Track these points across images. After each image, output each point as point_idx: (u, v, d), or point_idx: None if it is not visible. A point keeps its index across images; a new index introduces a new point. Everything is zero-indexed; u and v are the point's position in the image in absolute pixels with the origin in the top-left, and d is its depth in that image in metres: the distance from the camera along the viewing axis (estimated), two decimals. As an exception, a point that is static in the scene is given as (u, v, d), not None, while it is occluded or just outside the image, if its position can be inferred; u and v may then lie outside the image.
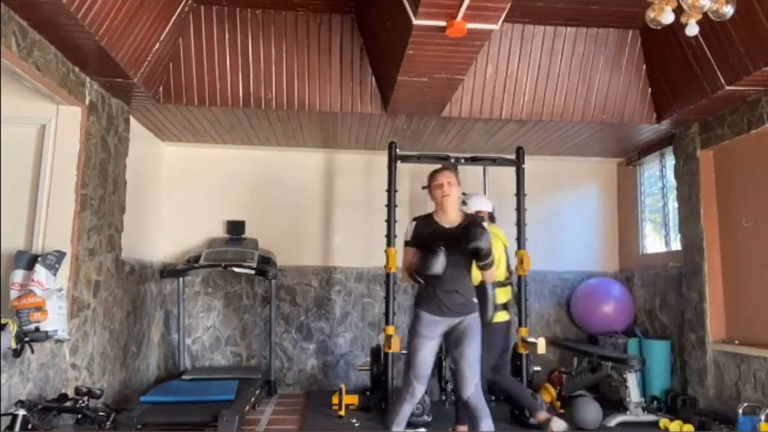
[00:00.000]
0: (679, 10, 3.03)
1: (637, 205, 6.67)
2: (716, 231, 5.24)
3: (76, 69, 4.22)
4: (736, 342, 4.89)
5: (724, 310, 5.14)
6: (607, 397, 5.70)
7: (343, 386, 5.23)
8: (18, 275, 3.83)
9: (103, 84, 4.58)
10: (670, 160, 6.00)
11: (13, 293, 3.77)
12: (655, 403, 5.45)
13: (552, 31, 5.07)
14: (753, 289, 4.82)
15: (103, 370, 4.80)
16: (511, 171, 5.72)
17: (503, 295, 4.69)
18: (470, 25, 3.58)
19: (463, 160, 5.53)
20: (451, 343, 3.58)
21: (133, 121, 5.43)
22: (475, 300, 3.61)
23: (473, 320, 3.55)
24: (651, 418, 5.07)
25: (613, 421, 4.97)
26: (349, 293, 6.59)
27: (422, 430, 4.61)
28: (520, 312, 5.35)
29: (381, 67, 4.89)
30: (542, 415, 4.57)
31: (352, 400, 5.33)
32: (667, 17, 2.99)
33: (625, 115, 5.32)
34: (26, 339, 3.51)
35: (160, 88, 4.95)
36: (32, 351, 3.59)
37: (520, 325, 5.31)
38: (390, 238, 5.31)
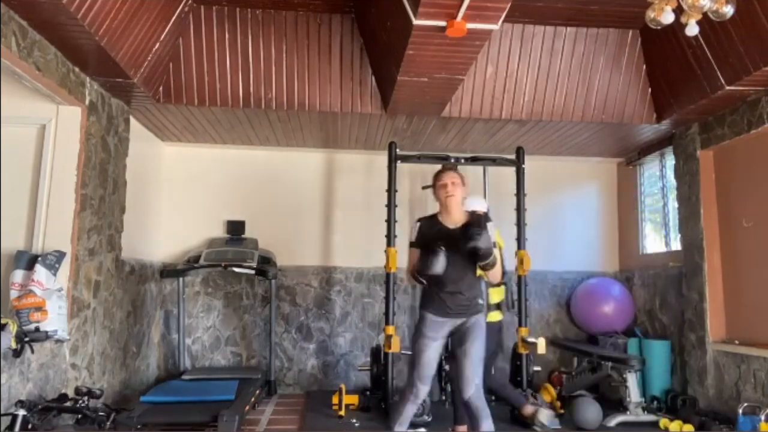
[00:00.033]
0: (679, 10, 3.03)
1: (637, 205, 6.67)
2: (716, 231, 5.24)
3: (76, 69, 4.22)
4: (736, 342, 4.89)
5: (724, 310, 5.14)
6: (607, 397, 5.70)
7: (343, 386, 5.24)
8: (18, 275, 3.83)
9: (103, 84, 4.58)
10: (670, 160, 6.00)
11: (13, 293, 3.77)
12: (655, 403, 5.45)
13: (552, 31, 5.07)
14: (753, 289, 4.82)
15: (103, 370, 4.80)
16: (511, 171, 5.72)
17: (497, 295, 4.71)
18: (470, 25, 3.58)
19: (463, 160, 5.53)
20: (454, 342, 3.58)
21: (133, 121, 5.43)
22: (481, 301, 3.60)
23: (477, 320, 3.54)
24: (651, 418, 5.07)
25: (613, 421, 4.97)
26: (349, 293, 6.59)
27: (422, 430, 4.62)
28: (520, 312, 5.35)
29: (381, 67, 4.89)
30: (528, 408, 4.63)
31: (352, 400, 5.34)
32: (667, 17, 2.99)
33: (625, 115, 5.32)
34: (26, 339, 3.51)
35: (160, 88, 4.95)
36: (32, 351, 3.59)
37: (520, 325, 5.31)
38: (390, 238, 5.31)
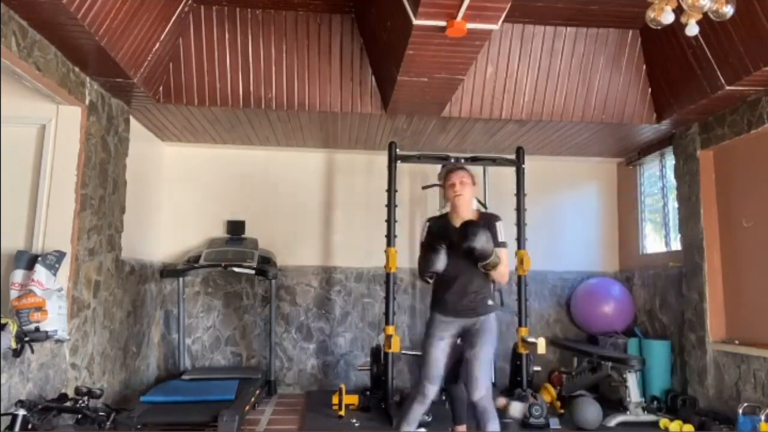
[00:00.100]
0: (679, 10, 3.03)
1: (637, 205, 6.67)
2: (716, 231, 5.23)
3: (76, 69, 4.22)
4: (736, 342, 4.89)
5: (724, 310, 5.13)
6: (607, 397, 5.70)
7: (343, 386, 5.23)
8: (18, 275, 3.83)
9: (103, 84, 4.58)
10: (670, 160, 6.00)
11: (13, 293, 3.77)
12: (655, 403, 5.45)
13: (552, 31, 5.07)
14: (753, 289, 4.82)
15: (103, 370, 4.80)
16: (511, 171, 5.72)
17: None
18: (470, 25, 3.58)
19: (463, 160, 5.53)
20: (465, 344, 3.55)
21: (133, 121, 5.43)
22: (490, 302, 3.55)
23: (486, 322, 3.50)
24: (651, 418, 5.07)
25: (613, 421, 4.97)
26: (349, 293, 6.59)
27: (422, 430, 4.61)
28: (520, 312, 5.35)
29: (381, 67, 4.89)
30: (501, 401, 4.71)
31: (352, 400, 5.33)
32: (667, 17, 2.99)
33: (625, 115, 5.32)
34: (26, 339, 3.51)
35: (160, 88, 4.95)
36: (32, 351, 3.59)
37: (520, 325, 5.31)
38: (390, 238, 5.31)
